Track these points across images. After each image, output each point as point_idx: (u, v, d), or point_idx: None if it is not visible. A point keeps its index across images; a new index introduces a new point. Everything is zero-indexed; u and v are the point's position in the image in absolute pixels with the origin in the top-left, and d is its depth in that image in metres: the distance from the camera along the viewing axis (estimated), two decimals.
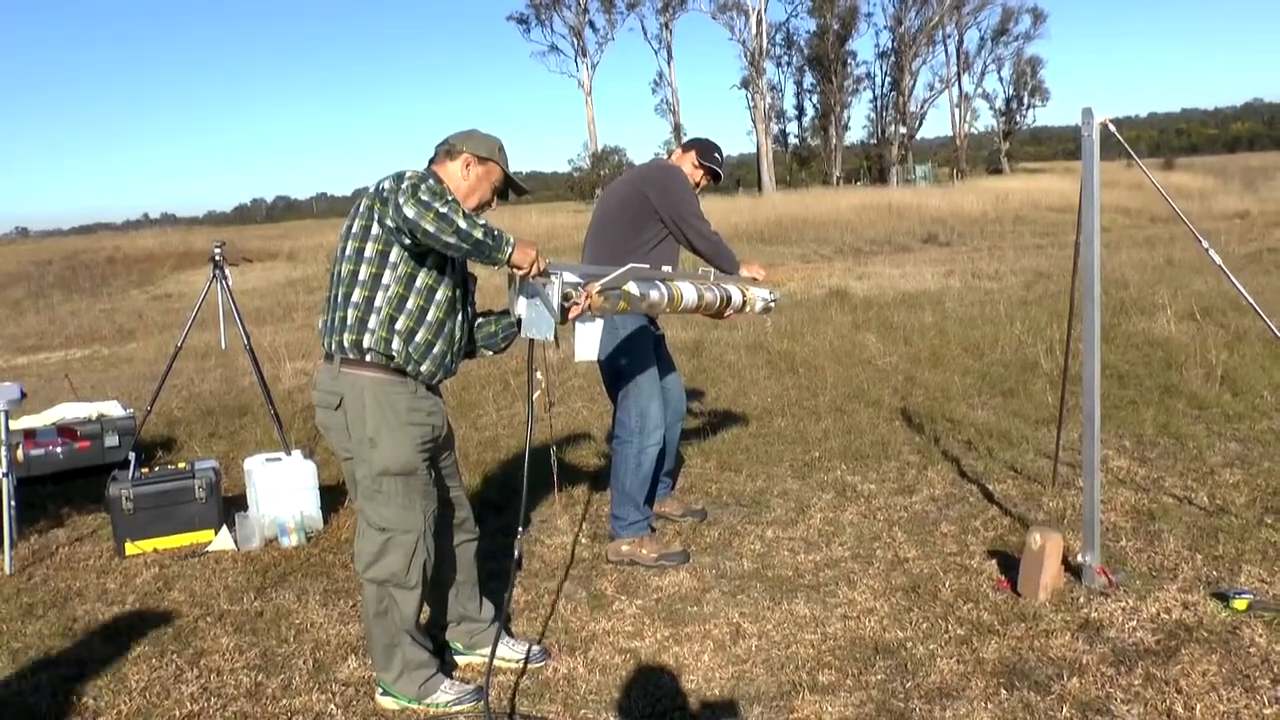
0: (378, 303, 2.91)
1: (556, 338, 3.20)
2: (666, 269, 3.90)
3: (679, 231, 4.28)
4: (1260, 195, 29.81)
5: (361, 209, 2.94)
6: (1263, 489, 4.52)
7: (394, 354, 2.92)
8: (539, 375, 7.60)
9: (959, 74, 65.18)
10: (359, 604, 3.98)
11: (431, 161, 3.14)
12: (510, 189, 3.27)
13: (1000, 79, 70.34)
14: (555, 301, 3.08)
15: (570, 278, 3.16)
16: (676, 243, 4.33)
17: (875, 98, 64.69)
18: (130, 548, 4.69)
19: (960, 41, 64.63)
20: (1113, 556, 3.85)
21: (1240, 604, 3.33)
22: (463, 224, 2.72)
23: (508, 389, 7.89)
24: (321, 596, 4.08)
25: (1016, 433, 5.70)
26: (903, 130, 63.19)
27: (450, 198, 2.77)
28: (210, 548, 4.73)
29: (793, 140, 66.27)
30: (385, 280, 2.91)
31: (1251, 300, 3.76)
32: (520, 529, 3.49)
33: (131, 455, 5.03)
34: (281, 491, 4.82)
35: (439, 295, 2.98)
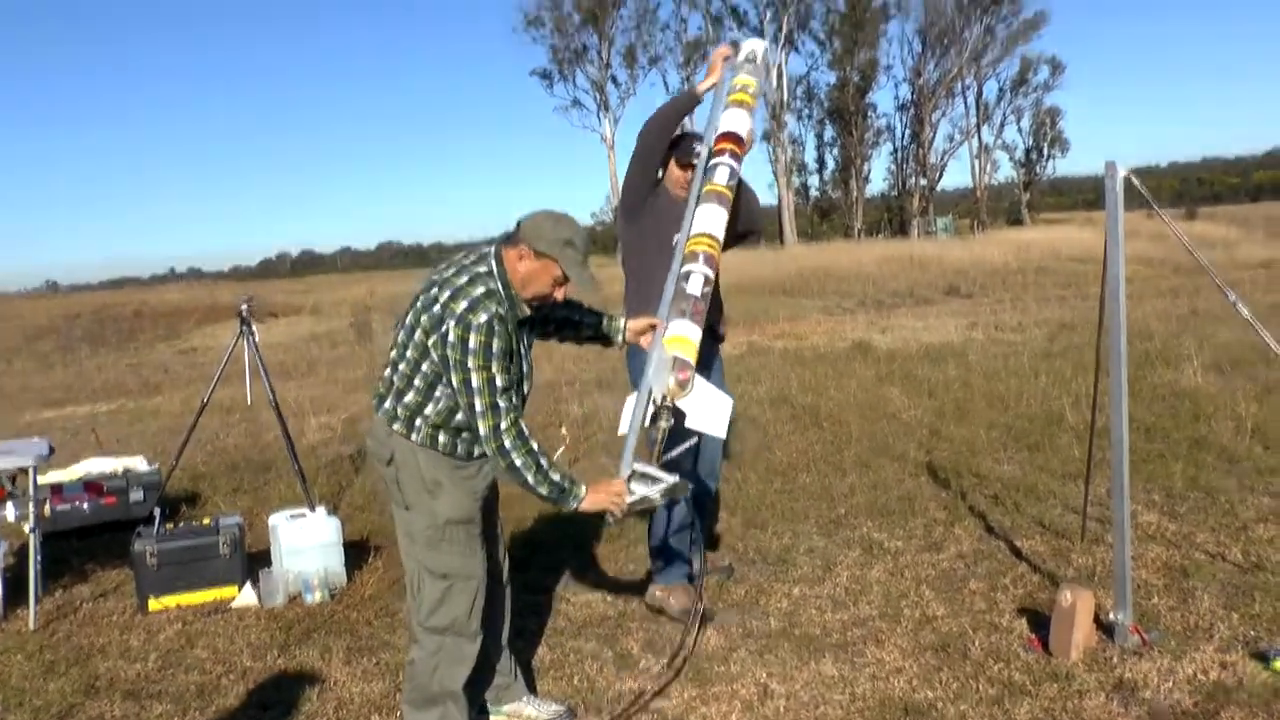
0: (428, 410, 3.00)
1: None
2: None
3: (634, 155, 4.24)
4: None
5: (421, 322, 2.96)
6: None
7: (440, 447, 3.04)
8: (564, 430, 7.62)
9: (978, 125, 65.37)
10: (383, 661, 3.96)
11: (503, 242, 3.06)
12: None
13: (1019, 130, 70.20)
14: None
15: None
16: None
17: (895, 149, 64.93)
18: (154, 604, 4.69)
19: (979, 93, 64.88)
20: (1145, 615, 3.78)
21: None
22: (530, 479, 2.91)
23: None
24: (345, 654, 4.06)
25: (1044, 487, 5.64)
26: (923, 182, 63.36)
27: (518, 437, 2.91)
28: (234, 604, 4.73)
29: (814, 193, 66.57)
30: (437, 394, 2.99)
31: (1278, 349, 3.72)
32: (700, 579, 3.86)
33: (156, 511, 5.04)
34: (306, 548, 4.81)
35: None
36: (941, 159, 64.06)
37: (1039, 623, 3.76)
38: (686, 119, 4.45)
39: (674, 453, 3.38)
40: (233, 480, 7.31)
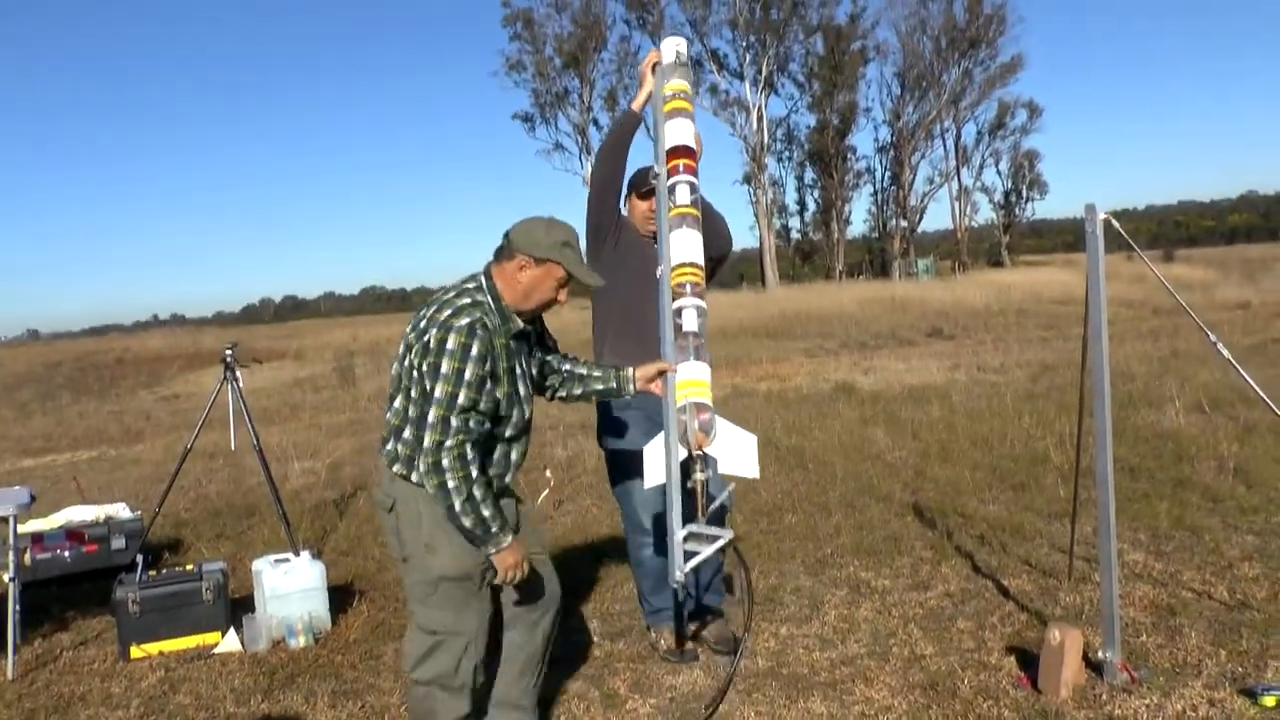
0: (426, 444, 2.86)
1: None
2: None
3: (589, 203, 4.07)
4: (1260, 286, 30.02)
5: (411, 346, 2.93)
6: None
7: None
8: (548, 473, 7.60)
9: (958, 167, 66.17)
10: (368, 705, 3.92)
11: (493, 259, 3.04)
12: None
13: (998, 172, 71.10)
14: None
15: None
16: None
17: (876, 191, 65.54)
18: (135, 651, 4.63)
19: (958, 135, 65.74)
20: (1134, 652, 3.78)
21: (1269, 700, 3.26)
22: (457, 505, 2.82)
23: (515, 486, 7.82)
24: (330, 698, 4.01)
25: (1030, 527, 5.65)
26: (904, 224, 63.95)
27: (459, 459, 2.82)
28: (217, 650, 4.67)
29: (795, 235, 67.04)
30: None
31: (1263, 394, 3.77)
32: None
33: (139, 558, 5.00)
34: (290, 592, 4.77)
35: (490, 441, 3.01)
36: (921, 201, 64.73)
37: (1027, 661, 3.76)
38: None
39: (716, 503, 3.36)
40: (216, 526, 7.25)
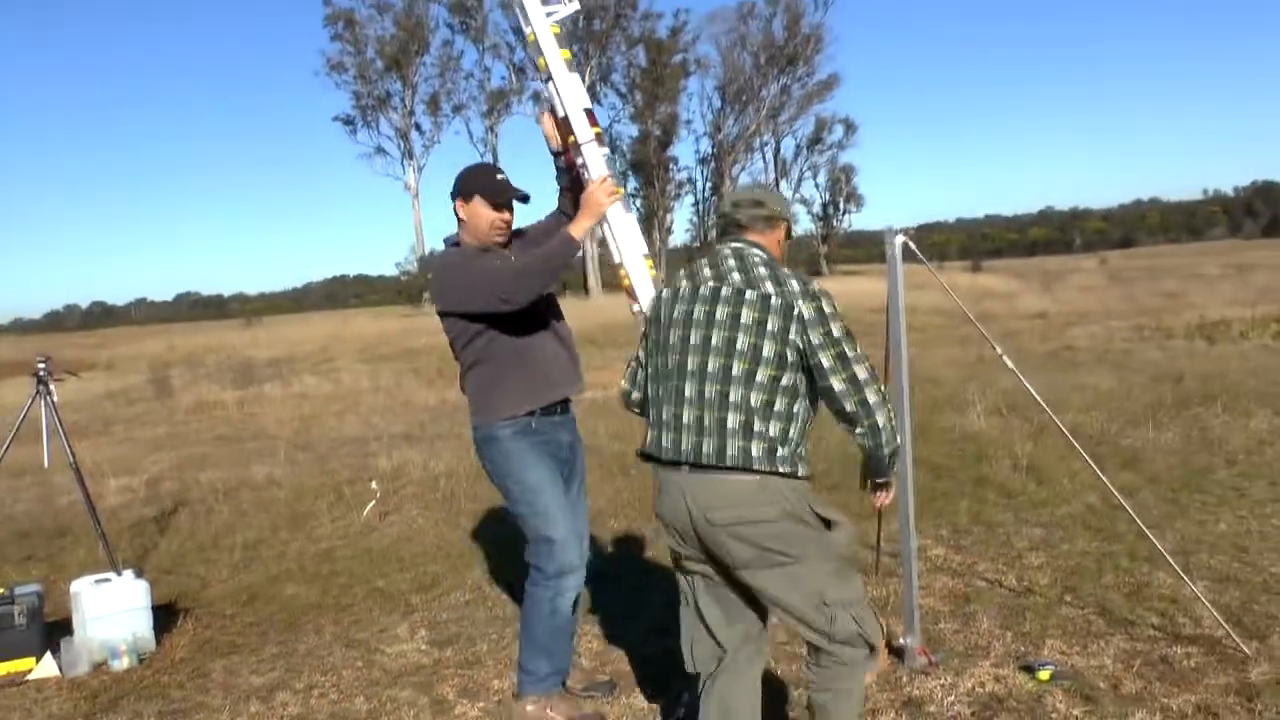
0: (791, 431, 2.76)
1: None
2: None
3: (493, 308, 3.50)
4: (1056, 296, 32.13)
5: (757, 329, 2.74)
6: (1062, 569, 4.92)
7: (804, 467, 2.81)
8: (374, 484, 7.58)
9: (777, 180, 68.38)
10: None
11: (750, 228, 3.00)
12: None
13: (817, 185, 74.14)
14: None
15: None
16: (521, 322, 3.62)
17: (697, 201, 67.11)
18: None
19: (777, 149, 68.10)
20: (932, 638, 4.12)
21: (1044, 675, 3.65)
22: (894, 431, 2.84)
23: (341, 499, 7.78)
24: (157, 718, 3.96)
25: None
26: None
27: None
28: (31, 676, 4.52)
29: None
30: (793, 404, 2.78)
31: (1041, 400, 4.17)
32: None
33: None
34: (112, 613, 4.65)
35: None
36: None
37: None
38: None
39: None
40: (24, 548, 6.95)
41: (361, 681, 4.25)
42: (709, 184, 66.20)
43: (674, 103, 61.45)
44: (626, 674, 4.12)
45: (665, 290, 3.01)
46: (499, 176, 3.73)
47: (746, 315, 2.74)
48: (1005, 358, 4.10)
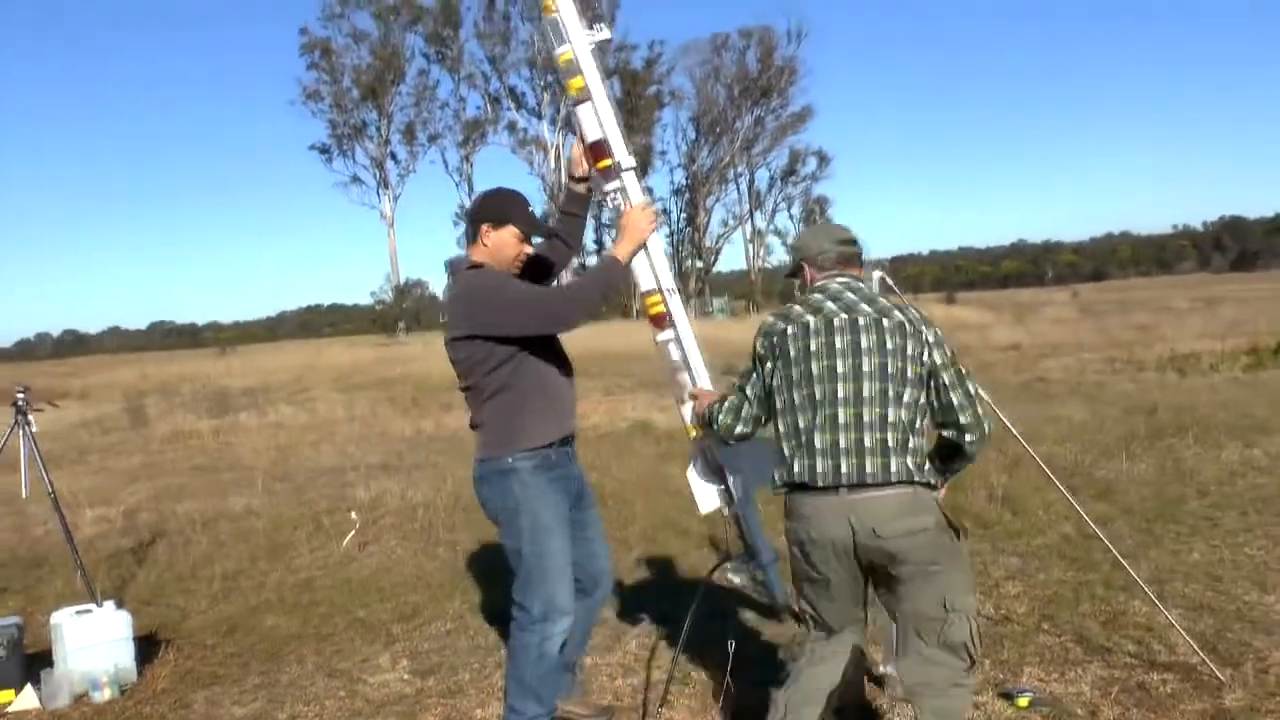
0: (925, 443, 3.02)
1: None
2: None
3: (544, 329, 3.54)
4: (1029, 329, 32.43)
5: (897, 351, 2.99)
6: (1039, 598, 4.99)
7: (935, 477, 3.04)
8: (353, 514, 7.57)
9: (751, 211, 68.92)
10: None
11: (848, 264, 3.25)
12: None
13: (791, 216, 74.55)
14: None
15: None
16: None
17: (671, 232, 67.28)
18: None
19: (751, 180, 68.54)
20: None
21: (1023, 701, 3.72)
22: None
23: (320, 529, 7.76)
24: None
25: None
26: (699, 264, 65.92)
27: None
28: (11, 708, 4.49)
29: None
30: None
31: (1016, 431, 4.25)
32: None
33: None
34: (93, 644, 4.63)
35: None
36: (716, 243, 67.03)
37: None
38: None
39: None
40: (0, 579, 6.88)
41: (344, 711, 4.25)
42: (684, 215, 66.59)
43: (649, 134, 61.88)
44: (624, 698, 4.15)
45: (789, 326, 3.10)
46: (530, 209, 3.71)
47: (890, 342, 2.98)
48: (980, 391, 4.17)
